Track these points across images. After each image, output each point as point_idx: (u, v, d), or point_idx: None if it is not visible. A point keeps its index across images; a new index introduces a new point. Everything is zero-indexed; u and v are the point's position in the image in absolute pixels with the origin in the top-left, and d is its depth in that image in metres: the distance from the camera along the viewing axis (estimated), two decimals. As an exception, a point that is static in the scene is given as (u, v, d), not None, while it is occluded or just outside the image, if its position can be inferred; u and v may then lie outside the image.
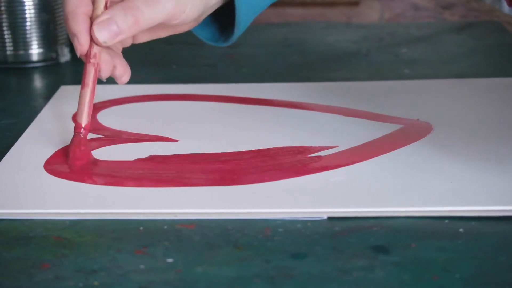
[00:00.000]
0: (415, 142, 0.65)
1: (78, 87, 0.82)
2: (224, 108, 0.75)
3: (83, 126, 0.62)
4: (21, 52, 0.89)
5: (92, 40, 0.61)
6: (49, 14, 0.89)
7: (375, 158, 0.62)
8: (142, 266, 0.49)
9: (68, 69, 0.91)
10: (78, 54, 0.62)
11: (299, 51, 0.95)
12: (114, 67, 0.64)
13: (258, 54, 0.94)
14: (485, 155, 0.62)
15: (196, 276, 0.48)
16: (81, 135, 0.62)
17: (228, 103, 0.76)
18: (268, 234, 0.52)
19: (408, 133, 0.67)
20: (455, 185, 0.57)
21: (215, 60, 0.92)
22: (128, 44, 0.67)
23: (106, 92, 0.79)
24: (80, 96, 0.62)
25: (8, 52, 0.89)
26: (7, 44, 0.89)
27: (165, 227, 0.54)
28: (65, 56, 0.92)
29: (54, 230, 0.53)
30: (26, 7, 0.88)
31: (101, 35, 0.60)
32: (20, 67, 0.90)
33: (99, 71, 0.62)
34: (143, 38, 0.68)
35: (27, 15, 0.88)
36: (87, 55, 0.62)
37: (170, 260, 0.50)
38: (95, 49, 0.62)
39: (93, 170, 0.61)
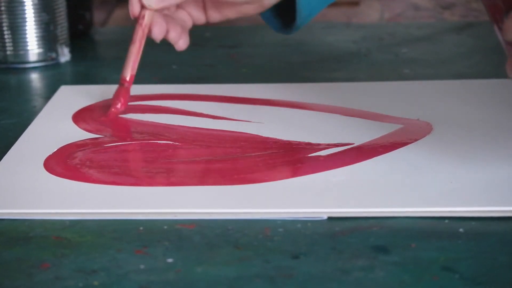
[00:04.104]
0: (415, 142, 0.65)
1: (78, 87, 0.83)
2: (224, 108, 0.75)
3: (127, 78, 0.72)
4: (21, 52, 0.89)
5: (142, 4, 0.70)
6: (49, 14, 0.89)
7: (375, 158, 0.62)
8: (142, 266, 0.49)
9: (68, 69, 0.91)
10: (131, 16, 0.71)
11: (299, 51, 0.95)
12: (168, 31, 0.72)
13: (258, 54, 0.94)
14: (485, 155, 0.62)
15: (196, 276, 0.48)
16: (124, 86, 0.72)
17: (228, 103, 0.76)
18: (268, 234, 0.52)
19: (408, 133, 0.67)
20: (455, 185, 0.57)
21: (215, 60, 0.92)
22: (200, 21, 0.75)
23: (106, 92, 0.79)
24: (127, 52, 0.72)
25: (8, 52, 0.89)
26: (7, 44, 0.89)
27: (165, 227, 0.54)
28: (65, 56, 0.92)
29: (54, 230, 0.53)
30: (26, 7, 0.88)
31: None
32: (20, 67, 0.90)
33: (150, 32, 0.71)
34: (214, 17, 0.75)
35: (27, 15, 0.88)
36: (138, 17, 0.71)
37: (170, 260, 0.50)
38: (145, 12, 0.71)
39: (92, 169, 0.61)
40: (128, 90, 0.72)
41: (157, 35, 0.72)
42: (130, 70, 0.72)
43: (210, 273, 0.48)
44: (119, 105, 0.72)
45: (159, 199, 0.57)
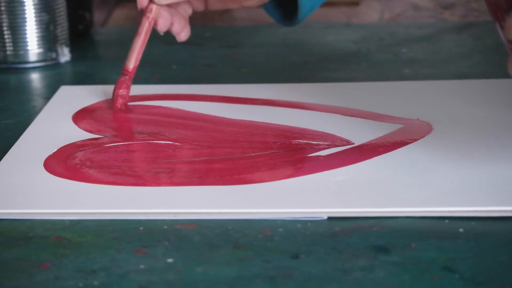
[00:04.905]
0: (415, 142, 0.65)
1: (78, 87, 0.83)
2: (224, 108, 0.75)
3: (129, 69, 0.73)
4: (21, 52, 0.89)
5: None
6: (49, 14, 0.89)
7: (375, 158, 0.63)
8: (142, 266, 0.49)
9: (68, 69, 0.91)
10: (139, 7, 0.73)
11: (299, 51, 0.95)
12: (172, 24, 0.74)
13: (258, 54, 0.94)
14: (485, 155, 0.62)
15: (196, 276, 0.48)
16: (127, 76, 0.73)
17: (228, 103, 0.76)
18: (268, 234, 0.52)
19: (408, 133, 0.67)
20: (455, 185, 0.57)
21: (215, 60, 0.92)
22: (200, 8, 0.76)
23: (106, 92, 0.79)
24: (132, 43, 0.73)
25: (8, 52, 0.89)
26: (7, 44, 0.89)
27: (165, 227, 0.54)
28: (65, 56, 0.92)
29: (54, 230, 0.53)
30: (26, 7, 0.88)
31: None
32: (20, 67, 0.90)
33: (155, 25, 0.73)
34: (214, 6, 0.76)
35: (27, 15, 0.88)
36: (145, 9, 0.73)
37: (170, 260, 0.50)
38: (152, 5, 0.72)
39: (92, 169, 0.61)
40: (130, 80, 0.74)
41: (162, 28, 0.74)
42: (133, 61, 0.73)
43: (210, 273, 0.48)
44: (123, 92, 0.73)
45: (159, 199, 0.57)
